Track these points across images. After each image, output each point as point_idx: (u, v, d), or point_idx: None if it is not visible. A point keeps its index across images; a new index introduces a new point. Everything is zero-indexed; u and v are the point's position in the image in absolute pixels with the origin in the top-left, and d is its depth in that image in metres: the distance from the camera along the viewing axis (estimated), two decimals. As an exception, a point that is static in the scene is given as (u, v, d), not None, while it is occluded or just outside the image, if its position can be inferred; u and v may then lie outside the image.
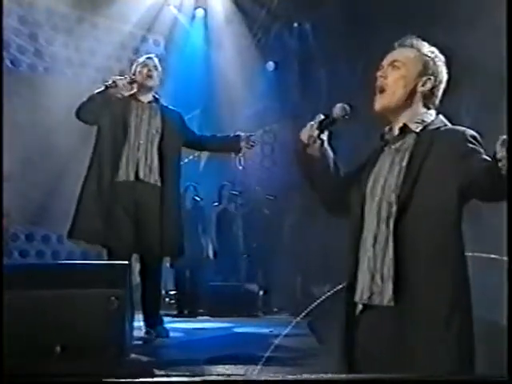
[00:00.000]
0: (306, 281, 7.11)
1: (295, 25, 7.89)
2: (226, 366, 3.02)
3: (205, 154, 8.59)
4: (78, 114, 3.96)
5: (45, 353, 2.64)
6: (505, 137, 1.52)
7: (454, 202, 1.72)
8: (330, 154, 2.03)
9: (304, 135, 1.96)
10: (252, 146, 4.36)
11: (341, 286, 2.22)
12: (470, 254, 1.80)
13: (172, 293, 6.88)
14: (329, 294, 2.72)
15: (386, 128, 1.92)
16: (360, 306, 1.82)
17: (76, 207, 3.82)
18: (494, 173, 1.56)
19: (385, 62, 1.91)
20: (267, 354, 2.56)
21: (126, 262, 2.99)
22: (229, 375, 2.60)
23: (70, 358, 2.67)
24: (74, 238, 3.82)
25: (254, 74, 8.11)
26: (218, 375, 2.83)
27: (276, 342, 2.79)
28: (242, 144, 4.27)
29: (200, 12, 7.87)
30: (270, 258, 7.15)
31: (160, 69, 4.27)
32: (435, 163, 1.75)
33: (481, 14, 4.15)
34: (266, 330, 4.72)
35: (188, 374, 2.72)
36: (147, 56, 4.37)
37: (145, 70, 4.13)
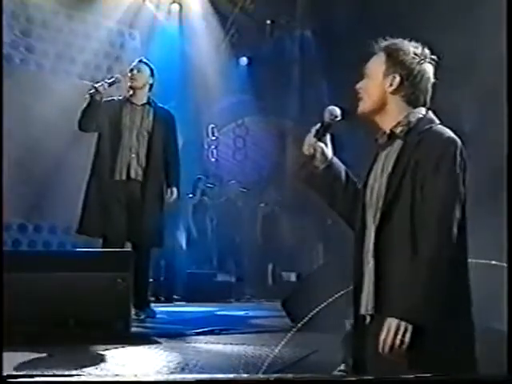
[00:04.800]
0: (276, 269, 7.90)
1: (268, 22, 8.54)
2: (214, 337, 3.75)
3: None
4: (80, 127, 4.56)
5: (61, 324, 3.30)
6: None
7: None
8: (339, 165, 2.06)
9: (304, 148, 2.04)
10: None
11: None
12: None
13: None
14: (330, 300, 2.99)
15: (380, 132, 1.97)
16: (368, 318, 1.88)
17: (82, 206, 4.48)
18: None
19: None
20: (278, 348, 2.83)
21: (130, 250, 3.67)
22: (225, 344, 3.26)
23: (83, 329, 3.33)
24: (81, 233, 4.50)
25: (228, 69, 8.74)
26: (208, 343, 3.56)
27: (276, 351, 2.88)
28: None
29: (175, 7, 8.40)
30: (242, 247, 7.90)
31: (149, 70, 4.85)
32: (417, 169, 1.80)
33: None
34: (241, 313, 5.50)
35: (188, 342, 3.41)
36: (138, 60, 4.99)
37: (129, 75, 4.76)
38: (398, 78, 1.90)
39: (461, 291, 1.80)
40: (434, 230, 1.76)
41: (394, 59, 1.92)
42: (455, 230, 1.76)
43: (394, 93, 1.91)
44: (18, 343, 3.01)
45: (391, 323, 1.73)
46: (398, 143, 1.89)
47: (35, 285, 3.30)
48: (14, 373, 2.58)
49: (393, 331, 1.72)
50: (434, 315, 1.73)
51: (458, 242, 1.77)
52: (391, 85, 1.91)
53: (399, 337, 1.71)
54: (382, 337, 1.73)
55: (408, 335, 1.71)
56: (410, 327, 1.71)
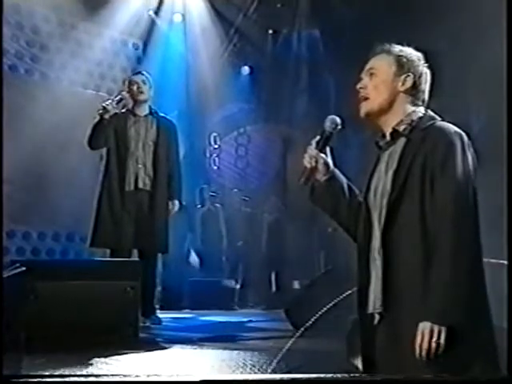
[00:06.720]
0: (280, 277, 8.04)
1: (270, 31, 8.73)
2: (219, 343, 3.91)
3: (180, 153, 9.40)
4: (91, 146, 4.74)
5: (73, 329, 3.47)
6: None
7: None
8: (341, 178, 2.07)
9: (306, 160, 2.03)
10: None
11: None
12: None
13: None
14: (334, 302, 3.09)
15: (380, 134, 2.00)
16: (377, 316, 1.88)
17: (94, 220, 4.65)
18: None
19: (362, 74, 2.02)
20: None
21: (140, 260, 3.84)
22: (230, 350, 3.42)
23: (93, 335, 3.50)
24: (95, 246, 4.68)
25: (230, 78, 8.92)
26: (214, 349, 3.71)
27: (281, 354, 2.99)
28: None
29: (178, 17, 8.58)
30: (246, 256, 8.06)
31: (149, 82, 5.02)
32: (425, 165, 1.82)
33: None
34: (245, 320, 5.66)
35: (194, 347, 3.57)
36: (135, 72, 5.14)
37: (135, 88, 4.91)
38: (412, 76, 1.97)
39: (481, 289, 1.83)
40: (451, 228, 1.77)
41: (404, 60, 1.98)
42: (471, 226, 1.79)
43: (405, 92, 1.97)
44: (32, 347, 3.18)
45: (425, 327, 1.74)
46: (402, 141, 1.92)
47: (49, 292, 3.46)
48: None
49: (427, 335, 1.74)
50: (464, 315, 1.75)
51: (474, 237, 1.80)
52: (403, 84, 1.96)
53: (434, 340, 1.73)
54: (418, 342, 1.74)
55: (443, 337, 1.73)
56: (443, 329, 1.73)
